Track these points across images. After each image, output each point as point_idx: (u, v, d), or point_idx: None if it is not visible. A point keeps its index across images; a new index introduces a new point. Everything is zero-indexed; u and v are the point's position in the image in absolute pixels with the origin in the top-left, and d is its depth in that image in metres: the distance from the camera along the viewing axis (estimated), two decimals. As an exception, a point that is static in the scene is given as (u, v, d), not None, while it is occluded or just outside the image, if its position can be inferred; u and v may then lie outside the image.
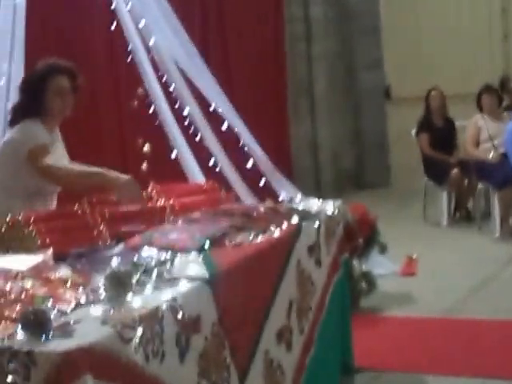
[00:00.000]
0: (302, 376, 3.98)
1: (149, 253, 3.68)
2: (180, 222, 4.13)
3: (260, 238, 3.83)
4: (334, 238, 4.50)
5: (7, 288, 3.00)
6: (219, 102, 6.92)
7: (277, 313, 3.75)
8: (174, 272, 3.28)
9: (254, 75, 9.20)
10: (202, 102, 6.95)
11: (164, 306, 2.89)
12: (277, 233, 3.95)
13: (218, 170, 6.62)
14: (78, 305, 2.90)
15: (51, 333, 2.54)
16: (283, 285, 3.86)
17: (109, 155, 6.95)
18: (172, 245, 3.70)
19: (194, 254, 3.58)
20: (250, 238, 3.82)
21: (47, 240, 3.73)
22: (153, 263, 3.33)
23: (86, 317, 2.74)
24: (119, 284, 2.97)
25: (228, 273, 3.38)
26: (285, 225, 4.06)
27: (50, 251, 3.53)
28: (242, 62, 9.14)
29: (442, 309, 5.42)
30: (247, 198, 6.47)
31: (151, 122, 6.43)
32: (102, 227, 4.00)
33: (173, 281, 3.17)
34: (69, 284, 3.13)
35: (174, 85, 6.80)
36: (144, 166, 6.14)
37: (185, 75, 6.76)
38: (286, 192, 6.78)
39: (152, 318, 2.81)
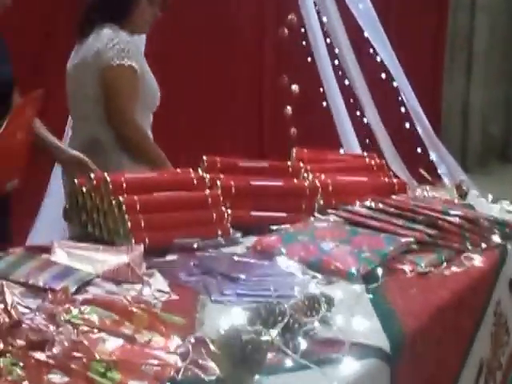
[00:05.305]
0: None
1: (288, 267, 2.29)
2: (332, 217, 2.70)
3: (454, 267, 2.39)
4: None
5: (49, 328, 1.64)
6: (380, 46, 5.42)
7: (464, 386, 2.32)
8: (332, 328, 1.87)
9: (412, 23, 7.52)
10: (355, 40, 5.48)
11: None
12: (477, 259, 2.49)
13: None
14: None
15: None
16: (477, 340, 2.41)
17: (242, 89, 5.47)
18: (325, 263, 2.29)
19: (358, 288, 2.16)
20: (443, 265, 2.38)
21: (142, 223, 2.35)
22: (296, 306, 1.87)
23: None
24: (242, 359, 1.57)
25: (416, 338, 1.95)
26: (483, 245, 2.60)
27: (141, 249, 2.16)
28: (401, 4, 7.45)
29: None
30: (399, 171, 4.96)
31: (300, 58, 4.91)
32: (224, 208, 2.59)
33: (330, 346, 1.75)
34: (158, 328, 1.75)
35: (325, 18, 5.31)
36: (288, 109, 4.67)
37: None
38: (444, 166, 5.28)
39: None
